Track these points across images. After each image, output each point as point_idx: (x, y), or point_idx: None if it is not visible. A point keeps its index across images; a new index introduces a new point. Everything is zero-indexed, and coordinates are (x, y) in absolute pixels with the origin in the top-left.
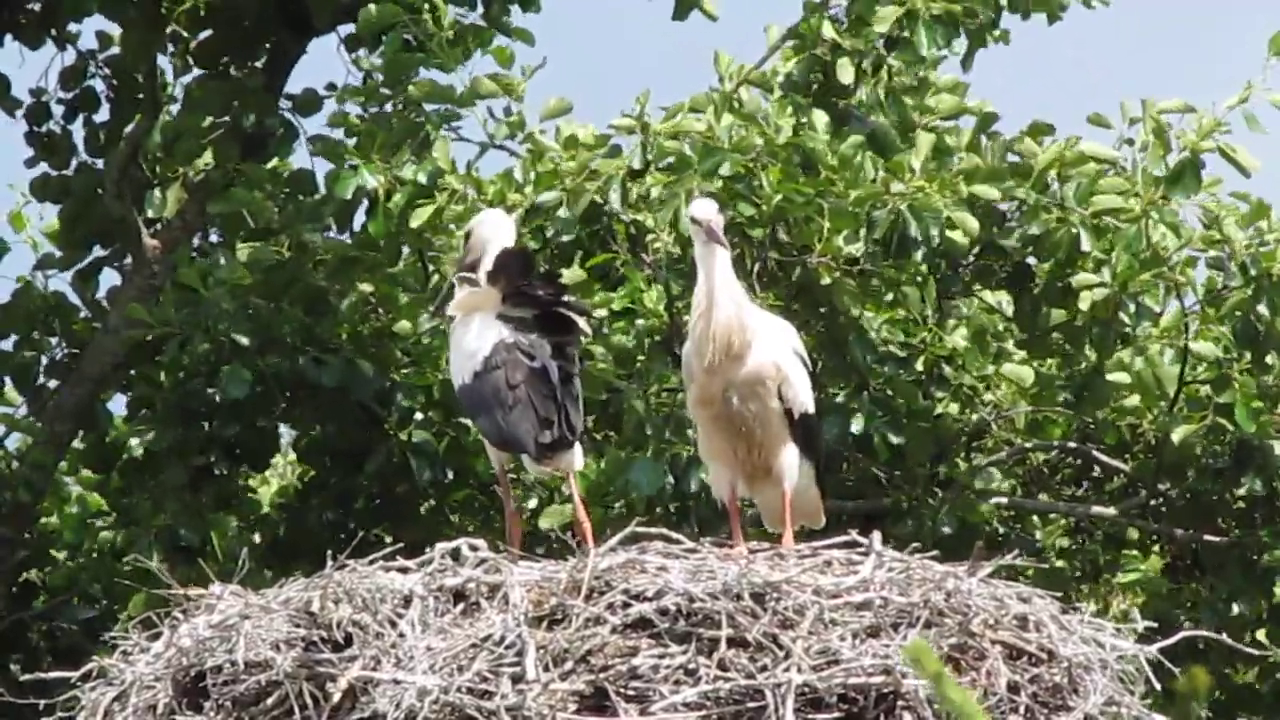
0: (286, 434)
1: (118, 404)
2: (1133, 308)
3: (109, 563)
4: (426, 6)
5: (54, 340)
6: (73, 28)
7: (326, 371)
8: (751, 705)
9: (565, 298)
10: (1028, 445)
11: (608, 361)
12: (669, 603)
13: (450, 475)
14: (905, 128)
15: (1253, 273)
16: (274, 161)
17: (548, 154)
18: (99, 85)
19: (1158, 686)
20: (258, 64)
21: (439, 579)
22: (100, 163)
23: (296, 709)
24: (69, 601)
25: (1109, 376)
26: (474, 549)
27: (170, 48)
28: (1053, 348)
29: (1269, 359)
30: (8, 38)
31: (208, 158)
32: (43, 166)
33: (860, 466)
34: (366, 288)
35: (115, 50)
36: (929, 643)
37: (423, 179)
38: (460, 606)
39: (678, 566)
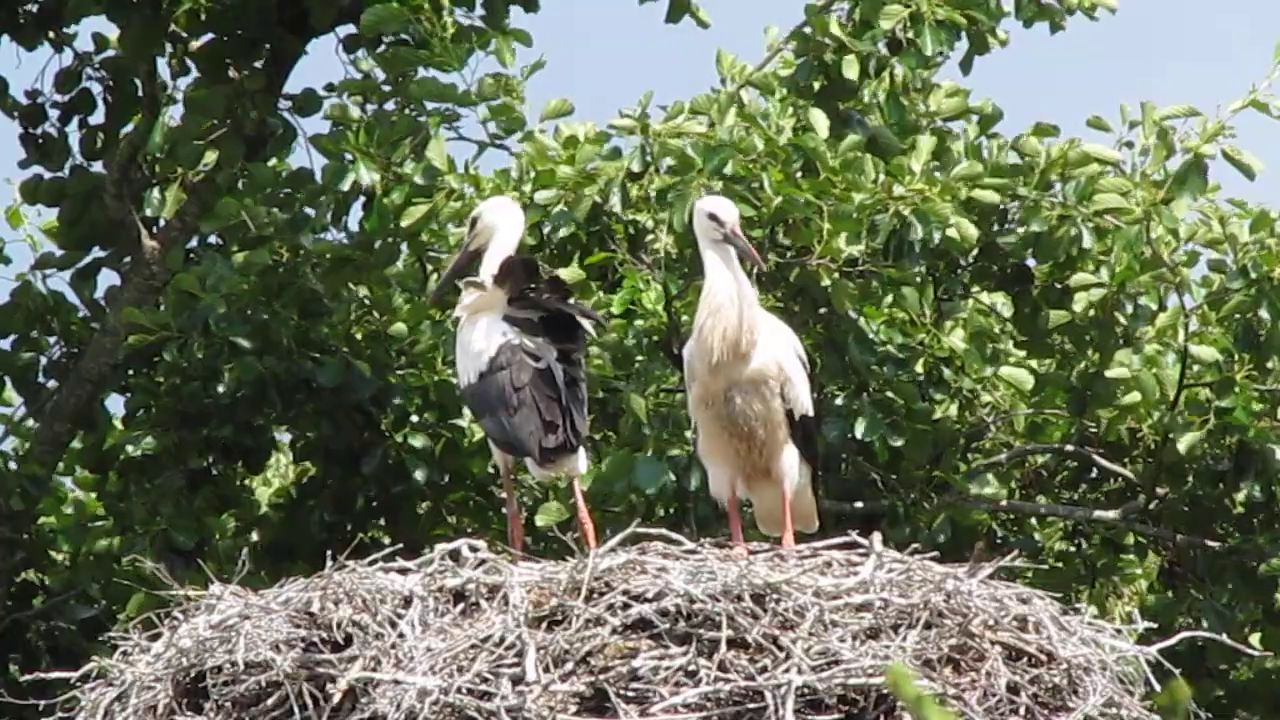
0: (283, 435)
1: (115, 403)
2: (1130, 308)
3: (107, 563)
4: (427, 6)
5: (52, 340)
6: (69, 29)
7: (324, 372)
8: (751, 706)
9: (571, 301)
10: (1027, 448)
11: (604, 361)
12: (669, 604)
13: (446, 477)
14: (906, 130)
15: (1254, 276)
16: (273, 161)
17: (547, 153)
18: (95, 87)
19: (1157, 687)
20: (257, 65)
21: (439, 580)
22: (96, 165)
23: (296, 709)
24: (67, 601)
25: (1109, 374)
26: (474, 550)
27: (169, 49)
28: (1052, 348)
29: (1269, 363)
30: (4, 39)
31: (208, 158)
32: (35, 169)
33: (858, 468)
34: (362, 291)
35: (112, 52)
36: (928, 644)
37: (419, 179)
38: (460, 607)
39: (678, 567)
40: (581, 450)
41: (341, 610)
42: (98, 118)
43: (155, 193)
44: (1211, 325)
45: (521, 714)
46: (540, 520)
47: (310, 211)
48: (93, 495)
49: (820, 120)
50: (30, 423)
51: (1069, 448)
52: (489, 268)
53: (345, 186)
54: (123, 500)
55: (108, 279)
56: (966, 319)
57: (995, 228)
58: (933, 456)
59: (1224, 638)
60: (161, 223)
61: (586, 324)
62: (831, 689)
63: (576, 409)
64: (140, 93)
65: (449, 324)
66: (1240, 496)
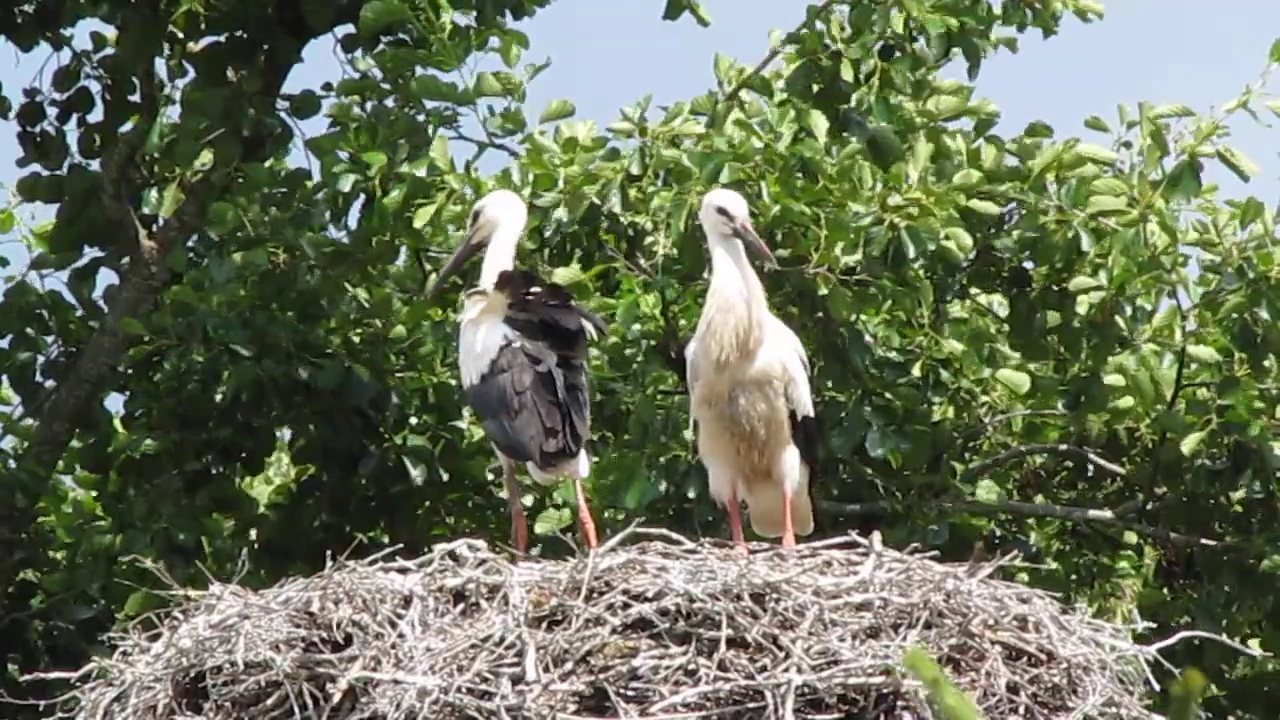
0: (282, 434)
1: (115, 402)
2: (1129, 311)
3: (107, 563)
4: (425, 4)
5: (50, 339)
6: (67, 30)
7: (323, 375)
8: (751, 706)
9: (571, 305)
10: (1024, 449)
11: (603, 362)
12: (669, 603)
13: (446, 477)
14: (906, 129)
15: (1250, 275)
16: (270, 162)
17: (546, 155)
18: (93, 86)
19: (1157, 687)
20: (255, 66)
21: (439, 579)
22: (93, 164)
23: (296, 709)
24: (67, 601)
25: (1105, 379)
26: (474, 549)
27: (167, 50)
28: (1049, 351)
29: (1267, 362)
30: (2, 38)
31: (206, 158)
32: (32, 167)
33: (856, 469)
34: (360, 293)
35: (110, 51)
36: (928, 644)
37: (420, 173)
38: (460, 607)
39: (678, 567)
40: (583, 453)
41: (341, 610)
42: (96, 117)
43: (153, 193)
44: (1209, 326)
45: (521, 713)
46: (540, 528)
47: (306, 208)
48: (92, 495)
49: (820, 124)
50: (29, 422)
51: (1064, 447)
52: (491, 266)
53: (346, 187)
54: (121, 501)
55: (106, 278)
56: (964, 320)
57: (992, 230)
58: (931, 458)
59: (1223, 638)
60: (160, 222)
61: (588, 327)
62: (831, 688)
63: (577, 413)
64: (138, 93)
65: (448, 327)
66: (1238, 495)
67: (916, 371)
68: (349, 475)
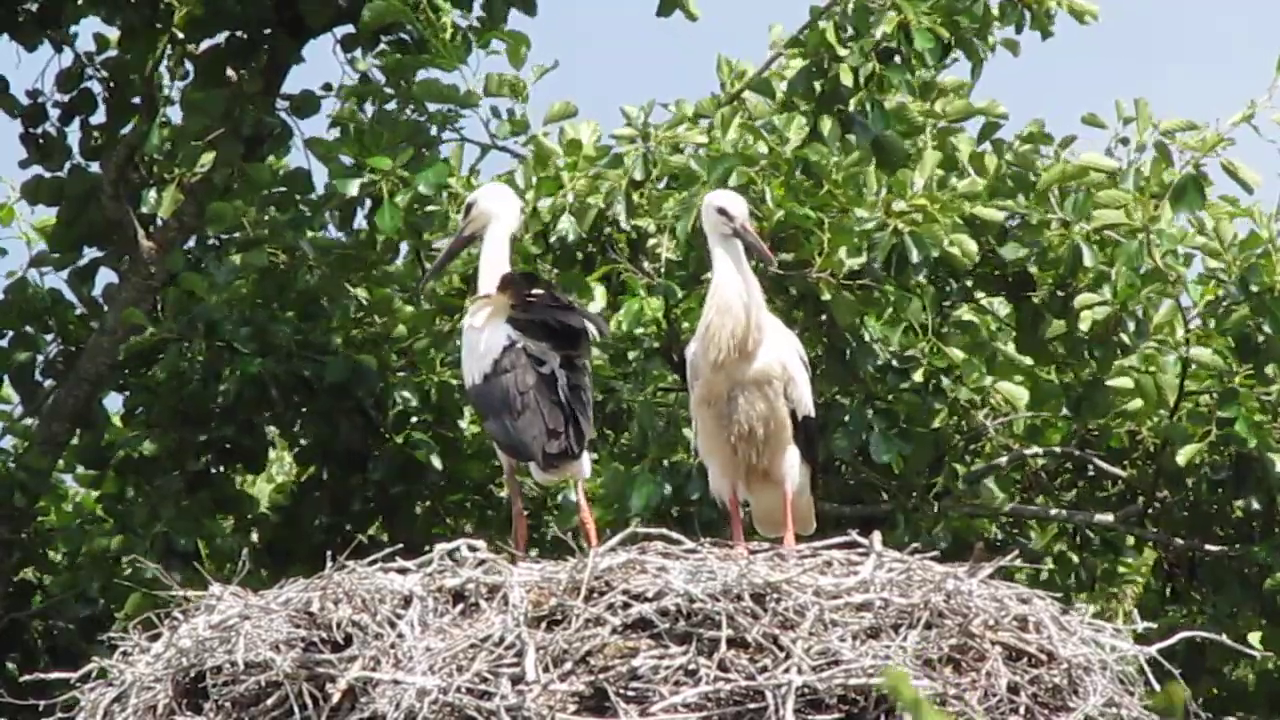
0: (275, 435)
1: (114, 402)
2: (1133, 325)
3: (106, 563)
4: (426, 4)
5: (49, 338)
6: (71, 30)
7: (329, 369)
8: (752, 706)
9: (573, 305)
10: (1025, 451)
11: (604, 361)
12: (669, 603)
13: (446, 478)
14: (910, 131)
15: (1253, 288)
16: (269, 161)
17: (550, 159)
18: (96, 87)
19: (1157, 687)
20: (255, 67)
21: (438, 579)
22: (95, 165)
23: (296, 709)
24: (67, 601)
25: (1110, 382)
26: (473, 550)
27: (168, 50)
28: (1053, 357)
29: (1269, 370)
30: (4, 38)
31: (205, 159)
32: (34, 169)
33: (858, 470)
34: (361, 293)
35: (112, 52)
36: (928, 644)
37: (426, 189)
38: (460, 607)
39: (678, 567)
40: (585, 453)
41: (341, 610)
42: (99, 118)
43: (153, 193)
44: (1211, 335)
45: (521, 713)
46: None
47: (305, 210)
48: (91, 495)
49: (828, 127)
50: (28, 421)
51: (1059, 449)
52: (488, 264)
53: (352, 191)
54: (121, 502)
55: (105, 278)
56: (967, 325)
57: (994, 238)
58: (933, 461)
59: (1223, 638)
60: (159, 222)
61: (590, 328)
62: (832, 689)
63: (581, 414)
64: (140, 94)
65: (456, 340)
66: (1239, 504)
67: (918, 378)
68: (350, 475)
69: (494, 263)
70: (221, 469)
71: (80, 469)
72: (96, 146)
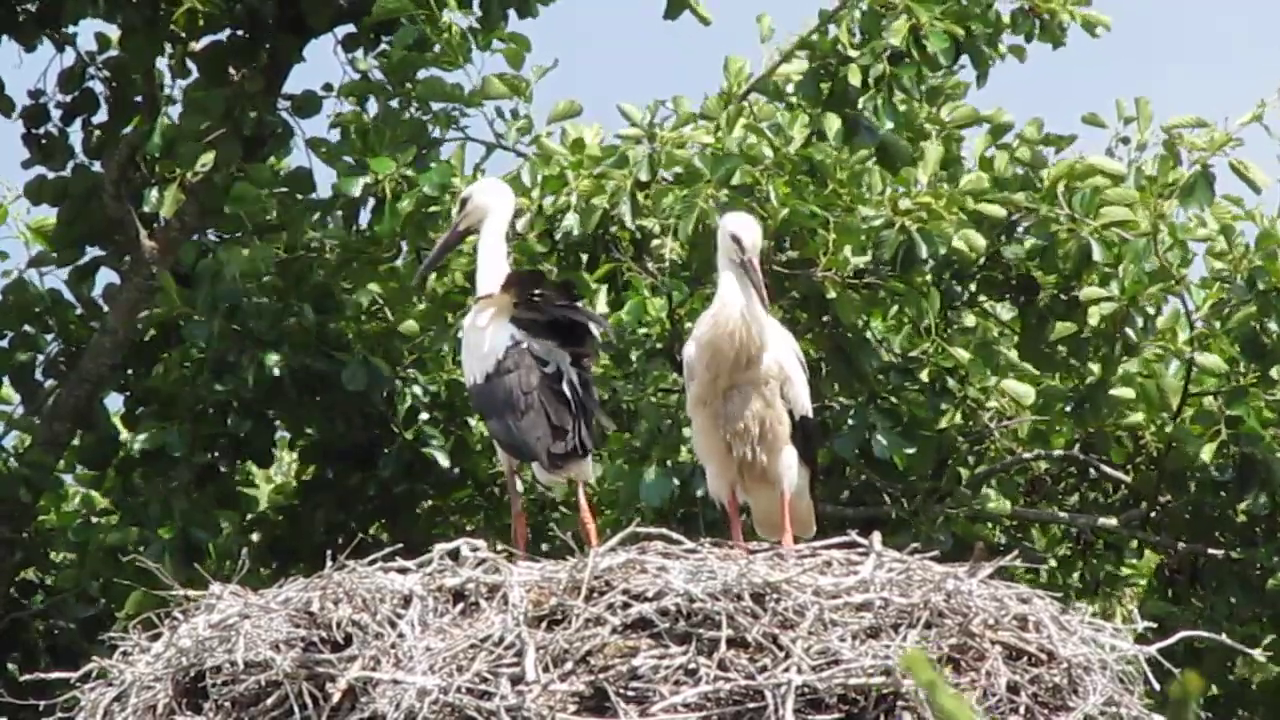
0: (284, 431)
1: (115, 402)
2: (1140, 322)
3: (110, 559)
4: (433, 2)
5: (50, 338)
6: (70, 29)
7: (346, 373)
8: (751, 706)
9: (579, 306)
10: (1028, 455)
11: (606, 359)
12: (669, 603)
13: (456, 471)
14: (916, 136)
15: (1260, 287)
16: (270, 161)
17: (555, 158)
18: (97, 87)
19: (1157, 687)
20: (256, 66)
21: (438, 579)
22: (96, 165)
23: (296, 709)
24: (67, 600)
25: (1113, 391)
26: (474, 549)
27: (169, 50)
28: (1058, 361)
29: (1274, 372)
30: (5, 38)
31: (207, 158)
32: (37, 169)
33: (861, 473)
34: (374, 288)
35: (114, 52)
36: (928, 644)
37: (429, 190)
38: (460, 607)
39: (678, 567)
40: (589, 454)
41: (341, 610)
42: (100, 117)
43: (154, 193)
44: (1217, 335)
45: (521, 713)
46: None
47: (307, 209)
48: (95, 493)
49: (834, 126)
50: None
51: (1063, 453)
52: (485, 260)
53: (355, 191)
54: (130, 494)
55: (106, 277)
56: (972, 328)
57: (1002, 238)
58: (937, 463)
59: (1224, 638)
60: (160, 222)
61: (594, 329)
62: (831, 688)
63: (590, 413)
64: (141, 93)
65: (458, 334)
66: (1243, 506)
67: (924, 378)
68: (353, 474)
69: (491, 258)
70: (229, 464)
71: (81, 469)
72: (98, 146)
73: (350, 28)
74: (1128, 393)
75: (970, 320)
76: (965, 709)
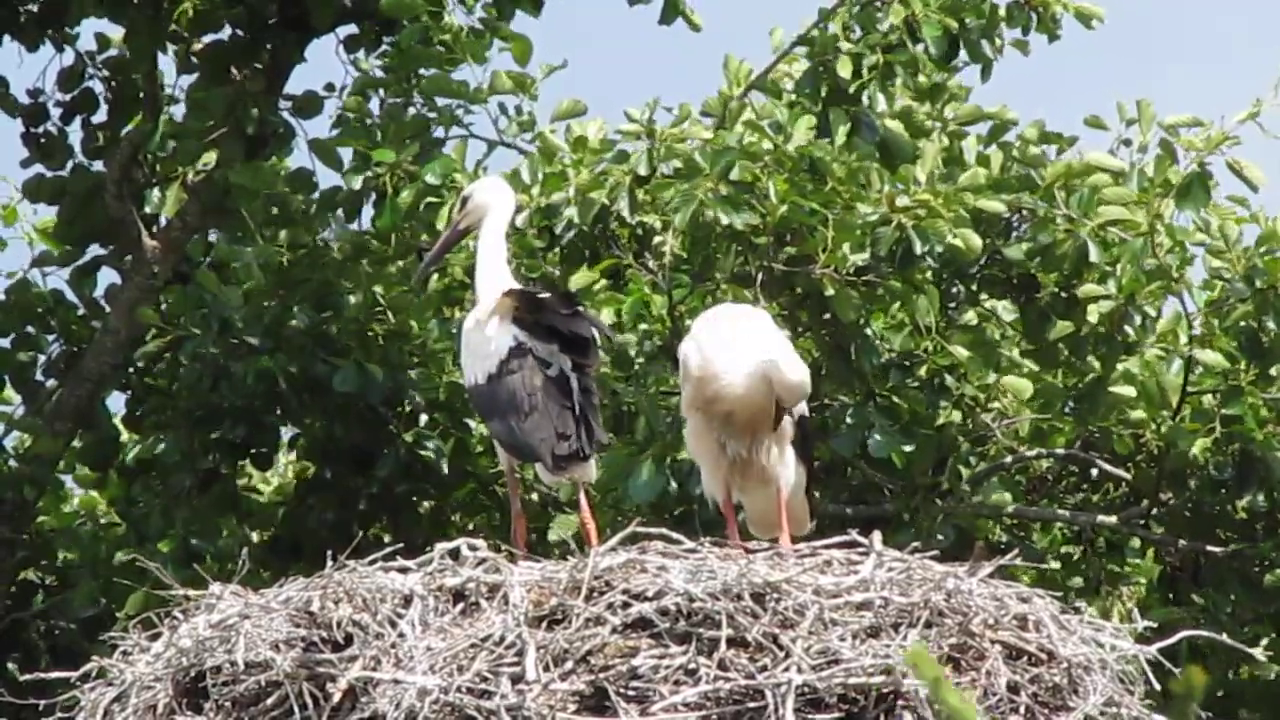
0: (285, 432)
1: (116, 402)
2: (1139, 320)
3: (108, 561)
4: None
5: (51, 338)
6: (71, 29)
7: (340, 378)
8: (751, 705)
9: (580, 311)
10: (1029, 454)
11: (607, 361)
12: (669, 603)
13: (455, 475)
14: (916, 133)
15: (1259, 284)
16: (272, 160)
17: (557, 155)
18: (97, 87)
19: (1157, 687)
20: (258, 66)
21: (439, 579)
22: (96, 164)
23: (296, 709)
24: (68, 600)
25: (1113, 389)
26: (474, 549)
27: (171, 49)
28: (1059, 359)
29: (1273, 370)
30: (5, 38)
31: (208, 158)
32: (36, 168)
33: (861, 472)
34: (376, 288)
35: (114, 51)
36: (929, 643)
37: (432, 179)
38: (460, 606)
39: (678, 566)
40: (592, 457)
41: (341, 610)
42: (100, 117)
43: (155, 192)
44: (1215, 333)
45: (521, 713)
46: (553, 535)
47: (309, 210)
48: (96, 494)
49: (838, 122)
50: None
51: (1063, 452)
52: (484, 260)
53: (356, 185)
54: (133, 505)
55: (107, 277)
56: (973, 327)
57: (1000, 237)
58: (937, 461)
59: (1224, 637)
60: (162, 222)
61: (596, 335)
62: (832, 688)
63: (593, 417)
64: (141, 93)
65: (453, 328)
66: (1243, 504)
67: (922, 373)
68: (354, 474)
69: (491, 256)
70: (230, 468)
71: (81, 469)
72: (98, 146)
73: (352, 28)
74: (1128, 390)
75: (971, 317)
76: (970, 707)
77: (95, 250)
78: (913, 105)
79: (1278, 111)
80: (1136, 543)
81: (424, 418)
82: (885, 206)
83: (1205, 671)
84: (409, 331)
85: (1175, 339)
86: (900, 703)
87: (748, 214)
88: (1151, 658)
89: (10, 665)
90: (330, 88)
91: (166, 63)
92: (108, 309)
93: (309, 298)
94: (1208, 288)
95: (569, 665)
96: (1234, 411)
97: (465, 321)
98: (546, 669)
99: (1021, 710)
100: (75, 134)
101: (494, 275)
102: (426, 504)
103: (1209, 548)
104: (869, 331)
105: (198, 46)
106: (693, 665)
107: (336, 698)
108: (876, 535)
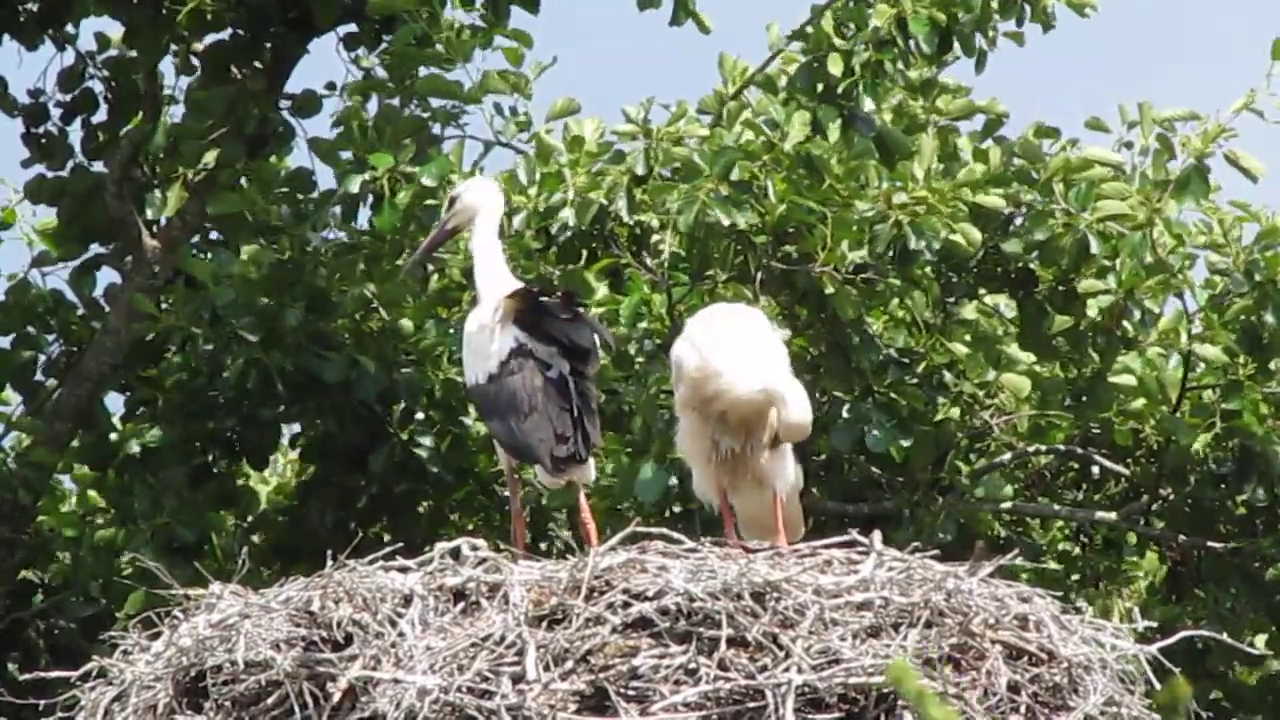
0: (285, 432)
1: (115, 401)
2: (1138, 315)
3: (108, 560)
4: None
5: (51, 338)
6: (71, 29)
7: (329, 368)
8: (751, 705)
9: (581, 314)
10: (1029, 449)
11: (607, 361)
12: (669, 602)
13: (451, 475)
14: (912, 128)
15: (1258, 278)
16: (272, 159)
17: (553, 155)
18: (97, 87)
19: (1158, 686)
20: (259, 65)
21: (439, 578)
22: (96, 164)
23: (296, 709)
24: (68, 599)
25: (1113, 379)
26: (474, 548)
27: (172, 49)
28: (1058, 353)
29: (1272, 364)
30: (5, 38)
31: (209, 157)
32: (36, 168)
33: (861, 470)
34: (370, 287)
35: (114, 51)
36: (929, 643)
37: (429, 180)
38: (460, 606)
39: (678, 566)
40: (591, 458)
41: (341, 609)
42: (100, 117)
43: (156, 192)
44: (1215, 329)
45: (521, 713)
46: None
47: (308, 209)
48: (94, 492)
49: (834, 121)
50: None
51: (1063, 447)
52: (482, 259)
53: (354, 188)
54: (126, 495)
55: (107, 277)
56: (971, 322)
57: (999, 231)
58: (936, 458)
59: (1224, 636)
60: (163, 221)
61: (597, 340)
62: (832, 688)
63: (590, 420)
64: (142, 92)
65: (452, 328)
66: (1242, 498)
67: (921, 370)
68: (354, 473)
69: (488, 257)
70: (226, 464)
71: (80, 469)
72: (98, 146)
73: (352, 27)
74: (1128, 379)
75: (970, 313)
76: (954, 717)
77: (96, 248)
78: (906, 100)
79: (1272, 102)
80: (1134, 539)
81: (419, 415)
82: (883, 203)
83: (1206, 671)
84: (403, 329)
85: (1176, 337)
86: (900, 703)
87: (746, 213)
88: (1151, 658)
89: (10, 665)
90: (331, 87)
91: (166, 62)
92: (108, 309)
93: (300, 298)
94: (1209, 286)
95: (569, 665)
96: (1234, 406)
97: (467, 322)
98: (547, 668)
99: (1022, 710)
100: (75, 134)
101: (494, 275)
102: (425, 504)
103: (1209, 543)
104: (867, 328)
105: (199, 46)
106: (693, 665)
107: (336, 697)
108: (877, 535)
